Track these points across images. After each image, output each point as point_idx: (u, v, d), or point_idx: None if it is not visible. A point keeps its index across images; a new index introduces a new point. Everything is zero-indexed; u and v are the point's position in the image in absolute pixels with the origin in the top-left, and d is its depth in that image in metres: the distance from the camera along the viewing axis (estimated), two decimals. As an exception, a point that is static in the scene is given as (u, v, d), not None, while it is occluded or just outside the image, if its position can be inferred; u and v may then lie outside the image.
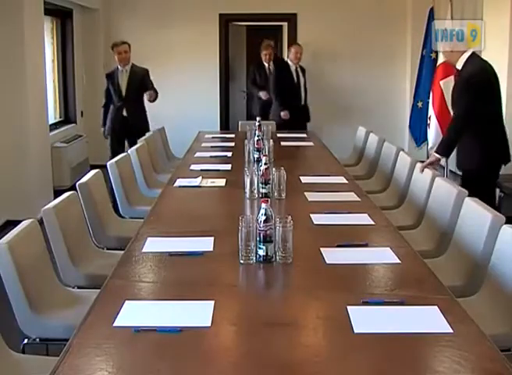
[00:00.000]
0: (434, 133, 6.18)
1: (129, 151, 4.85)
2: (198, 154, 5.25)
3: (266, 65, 7.81)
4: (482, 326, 1.95)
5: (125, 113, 6.18)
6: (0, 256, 2.38)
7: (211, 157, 5.07)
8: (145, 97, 6.19)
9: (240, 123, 7.26)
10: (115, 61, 6.25)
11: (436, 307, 2.07)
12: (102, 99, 6.40)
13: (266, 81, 7.71)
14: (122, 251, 2.77)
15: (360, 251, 2.70)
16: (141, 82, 6.13)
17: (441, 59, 6.25)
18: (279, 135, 6.33)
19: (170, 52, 8.25)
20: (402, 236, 2.97)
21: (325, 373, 1.76)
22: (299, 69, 7.45)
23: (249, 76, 8.22)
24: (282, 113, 7.14)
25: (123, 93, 6.15)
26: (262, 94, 7.56)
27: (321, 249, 2.66)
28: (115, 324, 1.97)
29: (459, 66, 4.31)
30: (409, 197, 4.18)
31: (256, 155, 4.54)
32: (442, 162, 4.87)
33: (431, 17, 6.94)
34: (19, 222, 2.68)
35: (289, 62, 7.44)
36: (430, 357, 1.81)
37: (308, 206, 3.47)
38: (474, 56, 4.33)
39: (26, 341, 2.50)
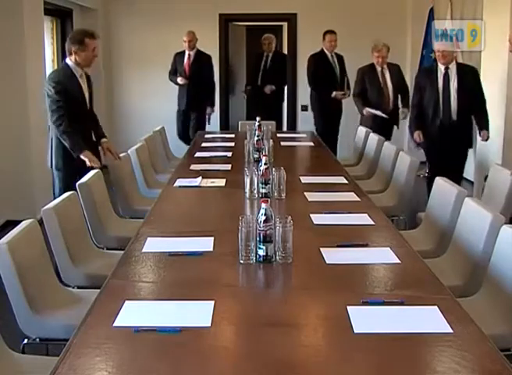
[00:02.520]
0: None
1: (129, 152, 4.85)
2: (198, 154, 5.25)
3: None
4: (482, 326, 1.95)
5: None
6: (0, 256, 2.38)
7: (211, 157, 5.07)
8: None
9: (239, 123, 7.27)
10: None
11: (436, 307, 2.07)
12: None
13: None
14: (122, 251, 2.77)
15: (360, 251, 2.70)
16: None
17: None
18: (278, 135, 6.34)
19: (170, 52, 8.23)
20: (402, 236, 2.97)
21: (325, 373, 1.76)
22: (335, 57, 7.26)
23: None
24: (365, 111, 6.53)
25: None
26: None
27: (321, 249, 2.66)
28: (115, 324, 1.97)
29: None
30: (409, 197, 4.19)
31: (256, 155, 4.54)
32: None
33: (431, 17, 6.95)
34: (19, 222, 2.68)
35: (325, 50, 7.23)
36: (430, 357, 1.81)
37: (308, 206, 3.47)
38: None
39: (26, 341, 2.51)
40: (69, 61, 4.25)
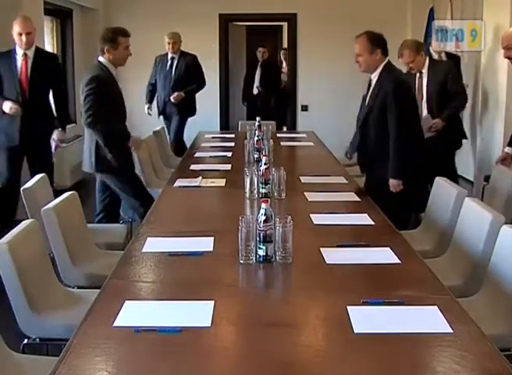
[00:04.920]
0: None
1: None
2: (198, 154, 5.25)
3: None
4: (482, 326, 1.95)
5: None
6: (0, 256, 2.38)
7: (211, 157, 5.07)
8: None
9: (239, 123, 7.27)
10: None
11: (436, 307, 2.07)
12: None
13: None
14: (122, 251, 2.77)
15: (360, 251, 2.70)
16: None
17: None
18: (278, 135, 6.34)
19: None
20: (402, 236, 2.97)
21: (325, 373, 1.76)
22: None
23: None
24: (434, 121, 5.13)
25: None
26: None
27: (321, 249, 2.66)
28: (115, 324, 1.97)
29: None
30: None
31: (256, 155, 4.54)
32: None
33: (431, 17, 6.94)
34: (19, 222, 2.68)
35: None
36: (430, 357, 1.81)
37: (308, 206, 3.47)
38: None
39: (26, 341, 2.50)
40: (103, 59, 4.13)
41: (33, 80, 4.77)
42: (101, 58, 4.14)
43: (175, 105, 6.83)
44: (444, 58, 5.79)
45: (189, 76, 6.88)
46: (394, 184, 3.66)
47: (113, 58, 4.12)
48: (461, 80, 5.63)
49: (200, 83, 7.00)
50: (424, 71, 5.19)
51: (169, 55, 6.95)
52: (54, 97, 5.02)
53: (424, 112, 5.19)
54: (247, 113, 8.76)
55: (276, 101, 8.62)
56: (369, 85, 3.85)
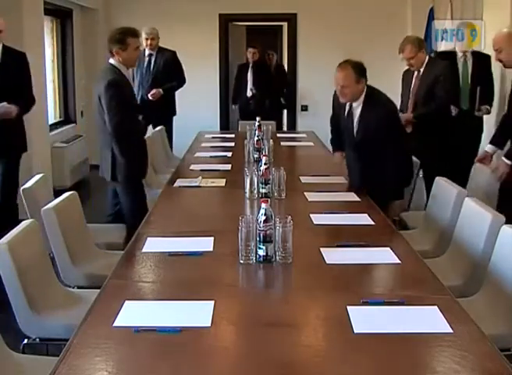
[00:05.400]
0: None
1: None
2: (198, 154, 5.25)
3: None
4: (482, 326, 1.96)
5: None
6: (0, 256, 2.38)
7: (211, 157, 5.07)
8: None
9: (239, 123, 7.26)
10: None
11: (436, 307, 2.07)
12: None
13: None
14: (122, 251, 2.77)
15: (360, 251, 2.70)
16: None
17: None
18: (278, 135, 6.34)
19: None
20: (402, 236, 2.97)
21: (325, 373, 1.76)
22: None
23: None
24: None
25: None
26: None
27: (321, 249, 2.66)
28: (115, 324, 1.97)
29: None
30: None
31: (256, 155, 4.54)
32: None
33: (431, 17, 6.94)
34: (19, 222, 2.68)
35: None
36: (430, 357, 1.81)
37: (308, 206, 3.47)
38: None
39: (26, 341, 2.50)
40: (113, 61, 3.93)
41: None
42: (111, 61, 3.95)
43: (155, 107, 6.27)
44: (470, 58, 5.42)
45: (168, 73, 6.55)
46: (396, 205, 3.73)
47: (123, 60, 3.92)
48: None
49: (181, 81, 6.66)
50: (422, 70, 5.11)
51: (146, 52, 6.56)
52: (15, 88, 4.60)
53: (410, 109, 5.15)
54: (240, 115, 8.56)
55: (271, 103, 8.49)
56: (349, 112, 3.77)
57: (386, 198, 3.64)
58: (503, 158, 4.00)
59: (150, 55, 6.59)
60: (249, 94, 8.20)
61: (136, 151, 3.97)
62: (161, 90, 6.40)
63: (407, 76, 5.33)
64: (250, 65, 8.16)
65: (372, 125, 3.62)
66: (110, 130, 3.79)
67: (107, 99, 3.78)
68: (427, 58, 5.16)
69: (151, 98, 6.34)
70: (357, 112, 3.72)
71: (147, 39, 6.45)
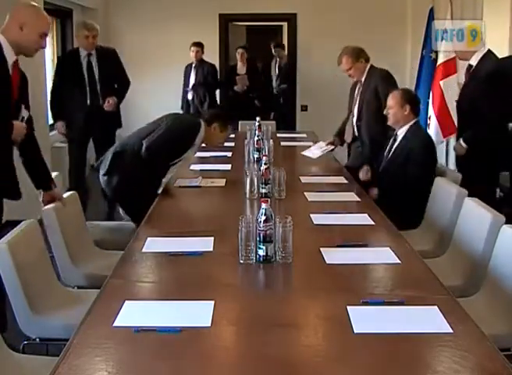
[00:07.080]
0: (434, 133, 6.16)
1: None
2: (198, 154, 5.24)
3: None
4: (482, 326, 1.95)
5: None
6: (0, 256, 2.38)
7: (211, 157, 5.07)
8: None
9: (240, 123, 7.26)
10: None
11: (436, 307, 2.07)
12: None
13: None
14: (122, 252, 2.77)
15: (360, 251, 2.70)
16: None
17: (441, 59, 6.24)
18: (278, 135, 6.34)
19: (170, 52, 8.24)
20: (402, 236, 2.97)
21: (325, 373, 1.76)
22: None
23: None
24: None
25: None
26: None
27: (321, 249, 2.66)
28: (115, 324, 1.97)
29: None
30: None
31: (256, 155, 4.54)
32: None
33: (431, 17, 6.93)
34: (19, 222, 2.68)
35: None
36: (430, 357, 1.81)
37: (308, 206, 3.47)
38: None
39: (26, 341, 2.50)
40: None
41: None
42: None
43: (101, 117, 5.58)
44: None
45: (113, 75, 5.74)
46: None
47: None
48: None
49: (126, 83, 5.86)
50: (362, 80, 4.86)
51: (83, 52, 5.65)
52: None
53: (354, 120, 4.96)
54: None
55: (263, 104, 8.42)
56: (394, 139, 4.10)
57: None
58: (461, 142, 4.40)
59: (89, 55, 5.69)
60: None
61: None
62: (114, 98, 5.67)
63: (354, 85, 5.11)
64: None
65: (405, 151, 3.96)
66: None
67: None
68: (368, 66, 4.89)
69: (106, 108, 5.64)
70: (398, 138, 4.06)
71: (87, 37, 5.58)
